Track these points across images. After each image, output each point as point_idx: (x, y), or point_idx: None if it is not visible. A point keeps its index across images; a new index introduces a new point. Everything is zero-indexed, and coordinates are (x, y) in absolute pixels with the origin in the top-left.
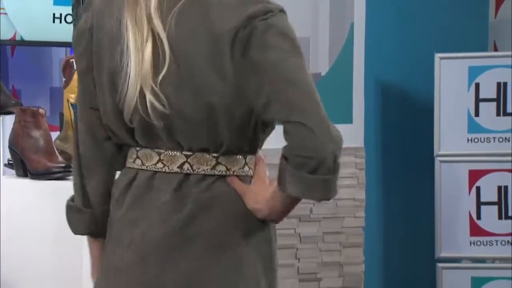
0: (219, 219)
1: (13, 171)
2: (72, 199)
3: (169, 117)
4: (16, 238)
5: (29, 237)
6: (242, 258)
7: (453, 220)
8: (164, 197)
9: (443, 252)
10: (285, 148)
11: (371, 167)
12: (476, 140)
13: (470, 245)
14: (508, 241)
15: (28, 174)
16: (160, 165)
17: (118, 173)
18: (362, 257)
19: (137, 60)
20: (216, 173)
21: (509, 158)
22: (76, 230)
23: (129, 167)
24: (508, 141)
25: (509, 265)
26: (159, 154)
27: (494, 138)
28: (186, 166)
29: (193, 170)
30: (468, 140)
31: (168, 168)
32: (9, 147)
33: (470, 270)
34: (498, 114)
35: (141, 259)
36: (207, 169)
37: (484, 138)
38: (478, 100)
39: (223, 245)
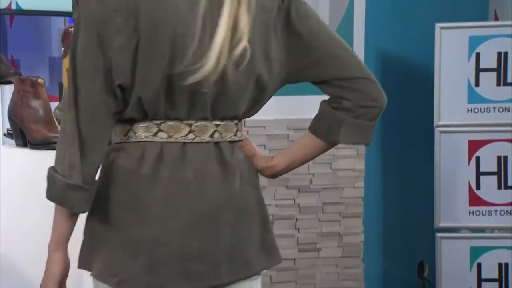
0: (249, 185)
1: (13, 141)
2: (65, 177)
3: (226, 85)
4: (15, 207)
5: (28, 206)
6: (266, 218)
7: (452, 190)
8: (210, 168)
9: (442, 222)
10: (346, 101)
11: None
12: (476, 110)
13: (469, 215)
14: (507, 211)
15: (28, 143)
16: (191, 136)
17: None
18: (361, 227)
19: (227, 26)
20: (237, 139)
21: (509, 128)
22: (78, 209)
23: (147, 141)
24: (508, 111)
25: (508, 234)
26: (190, 125)
27: (494, 108)
28: (216, 134)
29: (222, 138)
30: (468, 110)
31: (200, 138)
32: (9, 117)
33: (469, 240)
34: (498, 84)
35: (190, 231)
36: (231, 136)
37: (484, 108)
38: (478, 70)
39: (255, 210)
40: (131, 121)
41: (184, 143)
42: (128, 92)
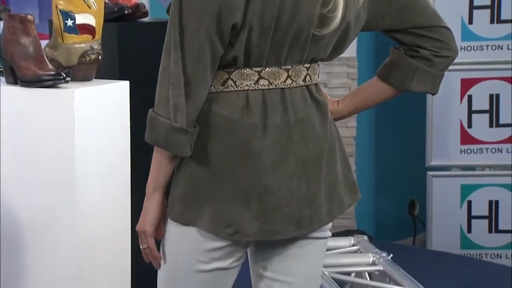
0: (333, 123)
1: (3, 78)
2: (170, 120)
3: (326, 28)
4: (6, 145)
5: (19, 144)
6: (346, 154)
7: (444, 129)
8: (309, 111)
9: (433, 160)
10: (424, 50)
11: (363, 77)
12: (469, 48)
13: (461, 153)
14: (498, 149)
15: (18, 81)
16: (289, 81)
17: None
18: (353, 167)
19: None
20: (319, 80)
21: (502, 66)
22: (182, 152)
23: (250, 89)
24: (501, 48)
25: (498, 172)
26: (287, 70)
27: (487, 46)
28: (307, 78)
29: (311, 81)
30: (461, 48)
31: (296, 83)
32: None
33: (459, 178)
34: (492, 22)
35: (298, 176)
36: (316, 78)
37: (477, 46)
38: (472, 7)
39: (338, 148)
40: (230, 69)
41: (282, 88)
42: (236, 33)
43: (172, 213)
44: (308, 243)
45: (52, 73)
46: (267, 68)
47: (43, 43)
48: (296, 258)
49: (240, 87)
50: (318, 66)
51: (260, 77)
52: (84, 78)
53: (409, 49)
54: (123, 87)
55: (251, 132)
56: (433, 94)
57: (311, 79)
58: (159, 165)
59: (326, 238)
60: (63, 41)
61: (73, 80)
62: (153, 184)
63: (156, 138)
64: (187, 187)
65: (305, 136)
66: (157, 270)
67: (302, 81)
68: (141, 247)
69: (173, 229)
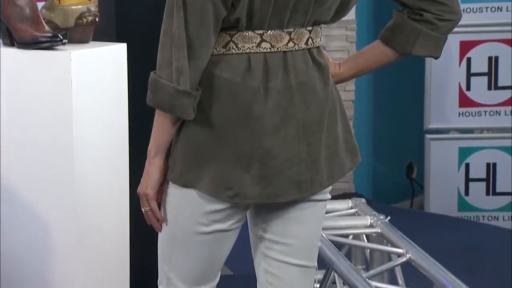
0: (334, 86)
1: (0, 40)
2: (173, 83)
3: None
4: (3, 107)
5: (16, 106)
6: (347, 117)
7: (442, 92)
8: (311, 74)
9: (431, 123)
10: (428, 13)
11: (362, 40)
12: (468, 10)
13: (459, 116)
14: (496, 112)
15: (15, 43)
16: (291, 44)
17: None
18: (351, 130)
19: None
20: (321, 43)
21: (501, 28)
22: (186, 115)
23: (252, 52)
24: (501, 10)
25: (496, 135)
26: (289, 33)
27: (487, 7)
28: (310, 41)
29: (313, 44)
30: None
31: (298, 46)
32: None
33: (457, 141)
34: None
35: (299, 139)
36: (318, 41)
37: (476, 8)
38: None
39: (339, 110)
40: (232, 31)
41: (284, 52)
42: None
43: (173, 175)
44: (308, 206)
45: (49, 35)
46: (269, 31)
47: (40, 4)
48: (296, 220)
49: (242, 50)
50: (321, 29)
51: (262, 40)
52: (81, 40)
53: (412, 12)
54: (120, 49)
55: (252, 96)
56: (435, 58)
57: (313, 42)
58: (161, 128)
59: (326, 200)
60: (59, 2)
61: (70, 42)
62: (155, 147)
63: (159, 101)
64: (188, 150)
65: (306, 100)
66: (155, 232)
67: (304, 44)
68: (143, 210)
69: (173, 191)
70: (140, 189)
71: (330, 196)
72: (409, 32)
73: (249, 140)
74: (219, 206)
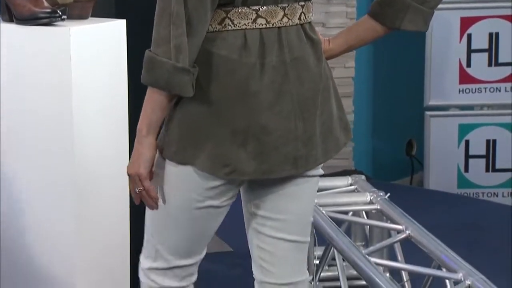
0: (326, 62)
1: None
2: (171, 60)
3: None
4: (2, 82)
5: (16, 82)
6: (338, 94)
7: (443, 68)
8: (305, 50)
9: (431, 100)
10: None
11: (362, 16)
12: None
13: (459, 93)
14: (497, 88)
15: (14, 19)
16: (285, 19)
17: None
18: (351, 107)
19: None
20: (313, 19)
21: (501, 4)
22: (186, 92)
23: (248, 29)
24: None
25: (497, 111)
26: (284, 8)
27: None
28: (302, 16)
29: (306, 19)
30: None
31: (292, 21)
32: None
33: (457, 118)
34: None
35: (295, 115)
36: (310, 16)
37: None
38: None
39: (332, 87)
40: (228, 8)
41: (279, 27)
42: None
43: (168, 153)
44: (302, 182)
45: (48, 10)
46: (265, 7)
47: None
48: (290, 196)
49: (238, 26)
50: (312, 4)
51: (258, 16)
52: (80, 16)
53: None
54: (119, 25)
55: (249, 72)
56: (424, 31)
57: (305, 17)
58: (155, 107)
59: (319, 176)
60: None
61: (69, 18)
62: (147, 125)
63: (156, 79)
64: (184, 127)
65: (300, 76)
66: None
67: (298, 19)
68: (136, 190)
69: (168, 168)
70: (132, 170)
71: (322, 172)
72: (398, 6)
73: (245, 116)
74: (215, 183)
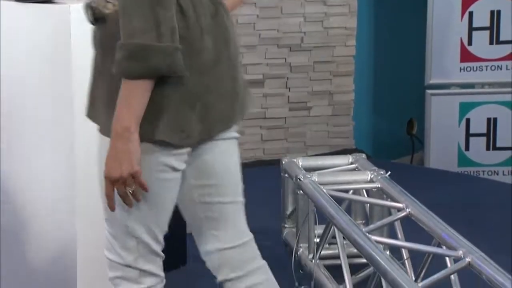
0: None
1: None
2: (168, 42)
3: None
4: (3, 60)
5: (16, 59)
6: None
7: (444, 46)
8: (229, 17)
9: (432, 79)
10: None
11: None
12: None
13: (460, 71)
14: (498, 66)
15: None
16: None
17: None
18: (352, 86)
19: None
20: None
21: None
22: (184, 70)
23: None
24: None
25: (497, 89)
26: None
27: None
28: None
29: None
30: None
31: None
32: None
33: (458, 96)
34: None
35: (228, 75)
36: None
37: None
38: None
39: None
40: None
41: None
42: None
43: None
44: (227, 144)
45: None
46: None
47: None
48: (216, 160)
49: None
50: None
51: None
52: None
53: None
54: None
55: (194, 34)
56: None
57: None
58: (141, 99)
59: (237, 137)
60: None
61: None
62: (135, 122)
63: (156, 66)
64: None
65: (227, 38)
66: None
67: None
68: (128, 191)
69: None
70: (124, 172)
71: (238, 134)
72: None
73: (192, 76)
74: (175, 151)
